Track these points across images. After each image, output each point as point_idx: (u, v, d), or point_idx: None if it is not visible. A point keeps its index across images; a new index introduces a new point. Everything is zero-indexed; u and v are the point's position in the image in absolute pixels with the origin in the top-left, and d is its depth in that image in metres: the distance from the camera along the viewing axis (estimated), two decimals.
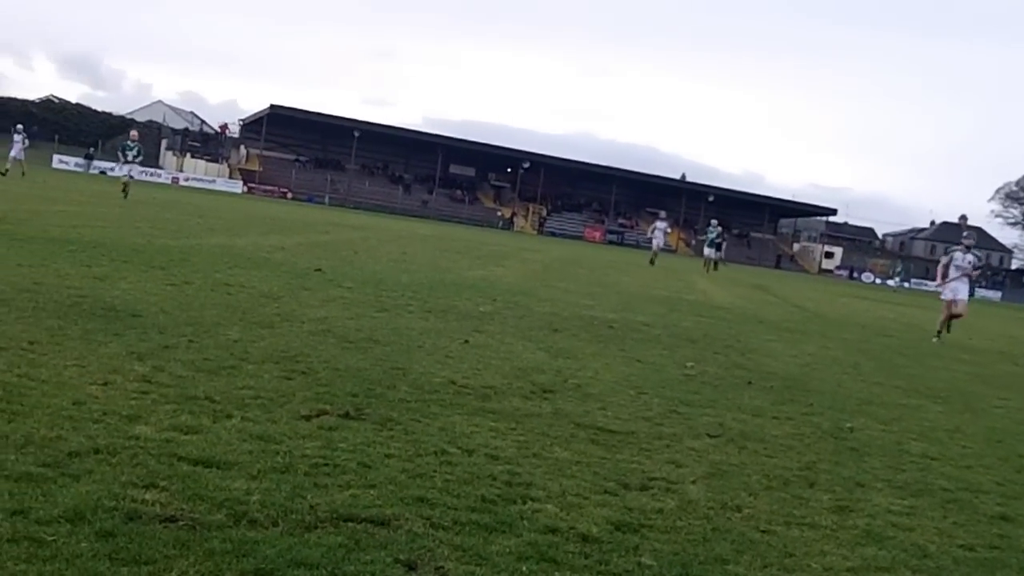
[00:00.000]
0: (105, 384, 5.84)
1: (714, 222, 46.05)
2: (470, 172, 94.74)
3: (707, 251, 44.54)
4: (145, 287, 10.55)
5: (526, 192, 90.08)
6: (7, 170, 37.39)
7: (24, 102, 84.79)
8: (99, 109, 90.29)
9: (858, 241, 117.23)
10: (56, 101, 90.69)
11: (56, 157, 72.54)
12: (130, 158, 33.47)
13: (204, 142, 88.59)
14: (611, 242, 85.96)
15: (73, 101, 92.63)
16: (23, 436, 4.54)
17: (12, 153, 39.54)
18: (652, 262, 40.56)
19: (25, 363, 6.09)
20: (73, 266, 11.43)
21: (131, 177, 33.28)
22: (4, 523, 3.52)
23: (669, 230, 47.34)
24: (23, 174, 37.18)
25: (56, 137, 76.20)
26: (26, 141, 41.92)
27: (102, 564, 3.32)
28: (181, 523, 3.77)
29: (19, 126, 42.35)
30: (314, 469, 4.70)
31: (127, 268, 12.01)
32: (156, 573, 3.30)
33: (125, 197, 30.98)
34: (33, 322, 7.53)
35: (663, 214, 46.30)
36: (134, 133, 35.61)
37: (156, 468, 4.41)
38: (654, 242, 43.74)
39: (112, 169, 34.85)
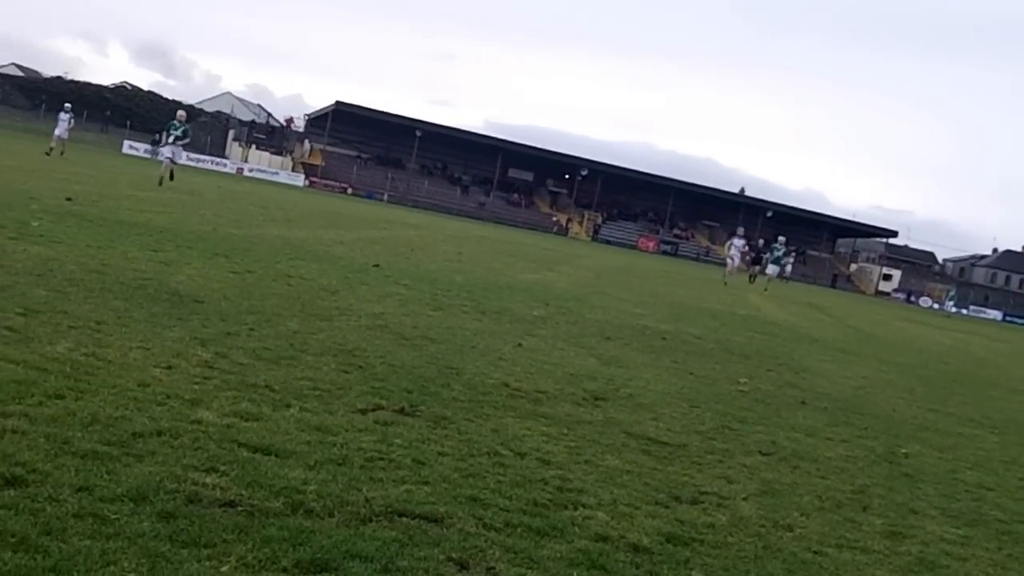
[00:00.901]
0: (169, 368, 5.96)
1: (782, 239, 42.44)
2: (528, 176, 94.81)
3: (770, 268, 40.92)
4: (208, 274, 10.72)
5: (582, 199, 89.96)
6: (51, 149, 37.36)
7: (99, 87, 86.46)
8: (169, 97, 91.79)
9: (917, 265, 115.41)
10: (129, 88, 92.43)
11: (126, 143, 73.88)
12: (173, 139, 30.66)
13: (269, 134, 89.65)
14: (665, 252, 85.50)
15: (145, 89, 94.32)
16: (89, 414, 4.65)
17: (57, 132, 39.26)
18: (725, 283, 36.83)
19: (92, 343, 6.23)
20: (139, 250, 11.64)
21: (174, 161, 30.86)
22: (70, 498, 3.61)
23: (746, 247, 42.12)
24: (62, 153, 36.97)
25: (128, 123, 77.60)
26: (72, 121, 40.90)
27: (163, 544, 3.39)
28: (240, 508, 3.84)
29: (67, 105, 41.56)
30: (369, 463, 4.76)
31: (191, 254, 12.21)
32: (215, 556, 3.37)
33: (160, 183, 28.11)
34: (100, 303, 7.70)
35: (741, 231, 42.01)
36: (181, 113, 32.84)
37: (217, 453, 4.49)
38: (729, 262, 40.01)
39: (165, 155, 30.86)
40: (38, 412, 4.53)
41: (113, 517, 3.52)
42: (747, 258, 44.02)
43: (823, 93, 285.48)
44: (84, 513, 3.50)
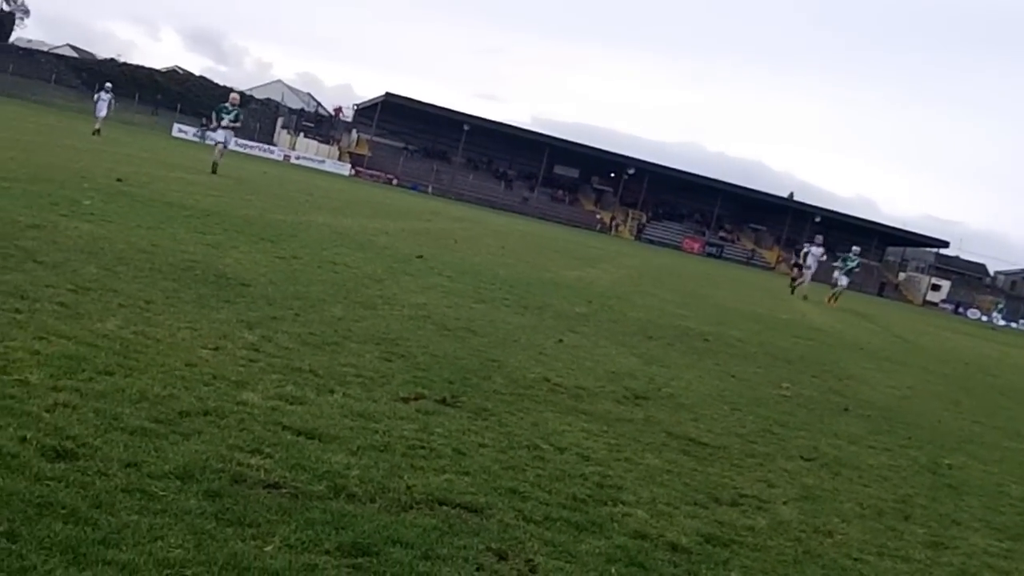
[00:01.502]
0: (216, 349, 6.03)
1: (856, 249, 37.45)
2: (574, 173, 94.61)
3: (843, 280, 35.82)
4: (255, 258, 10.82)
5: (627, 197, 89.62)
6: (97, 130, 37.35)
7: (151, 71, 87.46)
8: (220, 83, 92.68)
9: (967, 276, 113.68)
10: (180, 72, 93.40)
11: (176, 126, 74.72)
12: (226, 122, 29.06)
13: (318, 123, 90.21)
14: (710, 254, 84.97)
15: (196, 73, 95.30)
16: (138, 391, 4.72)
17: (98, 112, 39.14)
18: (792, 290, 34.92)
19: (141, 321, 6.32)
20: (188, 232, 11.78)
21: (225, 146, 29.24)
22: (119, 473, 3.67)
23: (824, 257, 36.58)
24: (97, 130, 37.00)
25: (178, 107, 78.49)
26: (112, 102, 40.29)
27: (209, 522, 3.44)
28: (284, 490, 3.88)
29: (108, 85, 41.00)
30: (411, 451, 4.79)
31: (239, 238, 12.33)
32: (259, 536, 3.41)
33: (214, 171, 26.79)
34: (149, 283, 7.80)
35: (819, 239, 37.07)
36: (234, 96, 31.73)
37: (262, 435, 4.54)
38: (807, 272, 35.77)
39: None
40: (88, 387, 4.61)
41: (160, 493, 3.58)
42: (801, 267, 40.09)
43: (877, 99, 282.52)
44: (132, 488, 3.56)
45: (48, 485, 3.40)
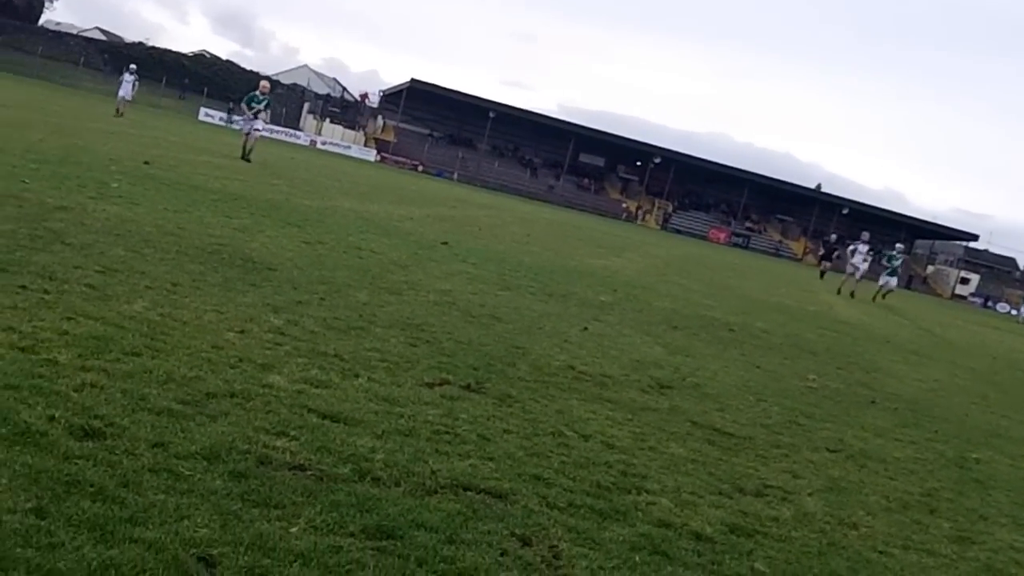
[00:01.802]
0: (242, 332, 6.05)
1: (900, 246, 36.02)
2: (599, 162, 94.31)
3: (886, 279, 33.90)
4: (281, 242, 10.86)
5: (653, 187, 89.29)
6: (120, 111, 37.26)
7: (178, 55, 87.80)
8: (247, 68, 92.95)
9: (997, 270, 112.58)
10: (208, 56, 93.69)
11: (203, 110, 75.02)
12: (257, 111, 28.06)
13: (344, 109, 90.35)
14: (736, 245, 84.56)
15: (224, 58, 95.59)
16: (165, 373, 4.75)
17: (120, 93, 38.89)
18: (822, 275, 34.23)
19: (168, 303, 6.35)
20: (215, 215, 11.83)
21: (254, 133, 28.12)
22: (146, 453, 3.69)
23: (871, 257, 34.69)
24: (119, 113, 37.04)
25: (205, 91, 78.79)
26: (136, 83, 39.63)
27: (235, 503, 3.45)
28: (309, 473, 3.89)
29: (132, 67, 40.39)
30: (436, 435, 4.79)
31: (265, 223, 12.38)
32: (284, 518, 3.42)
33: (246, 157, 26.59)
34: (176, 265, 7.84)
35: (866, 235, 35.39)
36: (265, 84, 29.96)
37: (287, 417, 4.55)
38: (857, 271, 33.71)
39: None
40: (116, 368, 4.63)
41: (187, 473, 3.60)
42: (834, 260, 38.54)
43: (907, 92, 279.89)
44: (159, 468, 3.58)
45: (76, 463, 3.42)
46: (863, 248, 34.40)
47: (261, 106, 28.70)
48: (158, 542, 3.01)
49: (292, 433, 4.34)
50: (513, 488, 4.26)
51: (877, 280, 34.27)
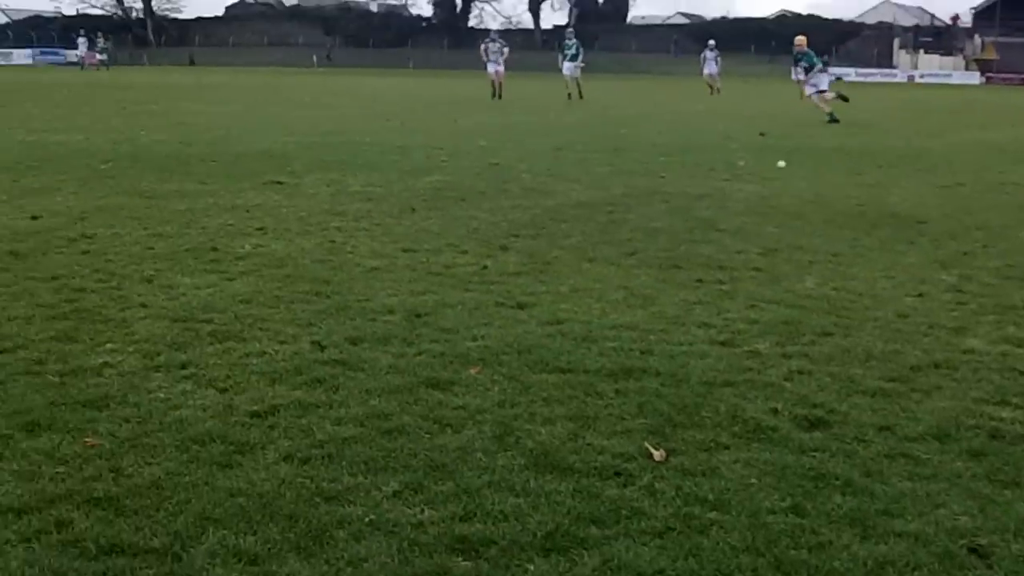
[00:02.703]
0: (920, 295, 5.80)
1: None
2: None
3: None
4: (918, 191, 10.36)
5: None
6: (717, 88, 36.51)
7: (761, 20, 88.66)
8: (828, 18, 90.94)
9: None
10: (789, 15, 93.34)
11: (793, 70, 74.69)
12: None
13: (935, 36, 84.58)
14: None
15: (803, 14, 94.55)
16: (863, 350, 4.66)
17: (707, 70, 38.01)
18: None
19: (836, 275, 6.29)
20: (843, 175, 11.63)
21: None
22: (875, 438, 3.59)
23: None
24: (715, 90, 36.28)
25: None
26: (718, 59, 37.62)
27: (983, 485, 3.23)
28: None
29: (711, 42, 38.78)
30: None
31: (894, 173, 11.90)
32: None
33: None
34: (828, 234, 7.78)
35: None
36: (800, 39, 25.69)
37: (1002, 384, 4.23)
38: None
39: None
40: (814, 351, 4.65)
41: (924, 457, 3.45)
42: None
43: None
44: (894, 453, 3.48)
45: (813, 456, 3.43)
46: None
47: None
48: (921, 534, 2.89)
49: (1014, 401, 4.01)
50: None
51: None
